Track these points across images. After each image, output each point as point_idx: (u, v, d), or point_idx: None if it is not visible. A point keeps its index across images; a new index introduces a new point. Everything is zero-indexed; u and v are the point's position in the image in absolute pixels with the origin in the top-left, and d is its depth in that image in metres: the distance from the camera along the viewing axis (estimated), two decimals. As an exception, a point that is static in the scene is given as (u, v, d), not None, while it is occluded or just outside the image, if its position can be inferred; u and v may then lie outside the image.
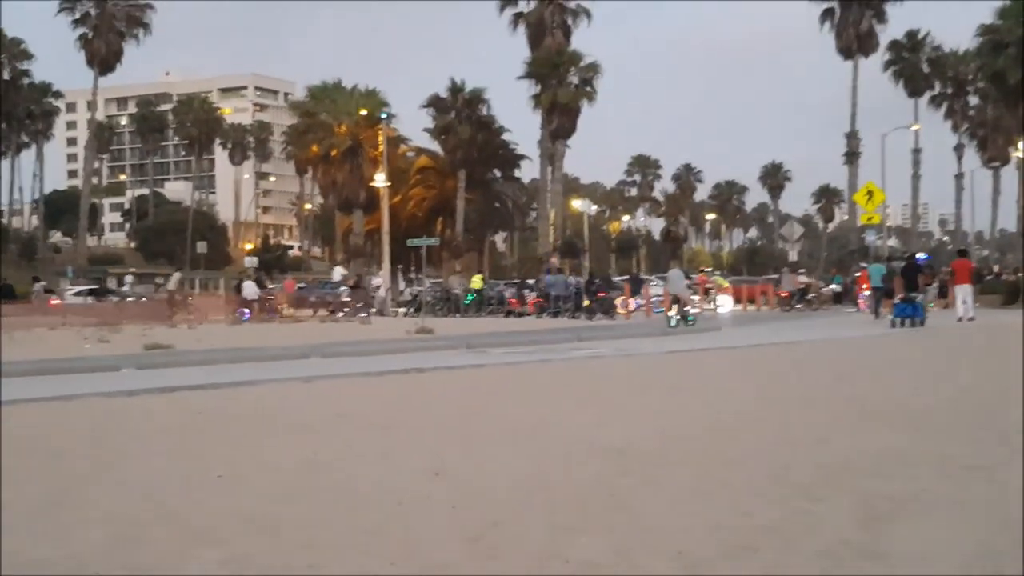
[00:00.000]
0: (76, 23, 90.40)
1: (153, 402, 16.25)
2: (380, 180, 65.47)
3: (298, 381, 18.94)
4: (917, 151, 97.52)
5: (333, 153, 74.95)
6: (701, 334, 35.39)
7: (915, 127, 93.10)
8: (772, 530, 7.85)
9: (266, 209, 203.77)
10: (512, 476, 10.00)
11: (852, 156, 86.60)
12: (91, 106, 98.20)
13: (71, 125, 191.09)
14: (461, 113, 77.29)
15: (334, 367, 22.63)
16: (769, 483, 9.56)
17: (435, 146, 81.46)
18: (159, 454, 11.58)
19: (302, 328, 41.65)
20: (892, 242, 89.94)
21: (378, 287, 60.73)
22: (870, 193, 49.92)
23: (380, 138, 67.75)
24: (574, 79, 78.79)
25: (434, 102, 77.92)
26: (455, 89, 77.72)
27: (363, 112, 73.42)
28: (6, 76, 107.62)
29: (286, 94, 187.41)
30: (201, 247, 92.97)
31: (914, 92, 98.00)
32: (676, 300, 39.78)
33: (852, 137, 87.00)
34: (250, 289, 55.58)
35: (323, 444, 11.99)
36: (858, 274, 60.11)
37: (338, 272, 69.76)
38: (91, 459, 11.24)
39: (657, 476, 9.94)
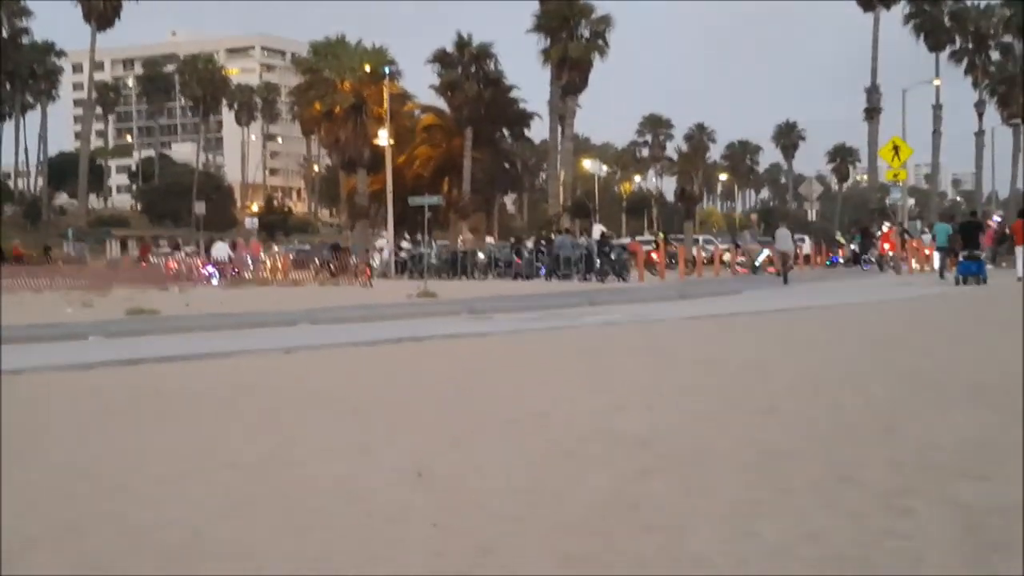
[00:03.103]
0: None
1: (108, 377, 14.30)
2: (383, 138, 63.39)
3: (278, 352, 16.97)
4: (938, 107, 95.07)
5: (336, 111, 73.00)
6: (730, 297, 33.35)
7: (936, 82, 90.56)
8: (857, 564, 5.87)
9: (274, 171, 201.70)
10: (511, 479, 8.04)
11: (873, 112, 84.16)
12: (89, 65, 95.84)
13: (78, 86, 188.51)
14: (468, 69, 75.22)
15: (322, 336, 20.62)
16: (836, 487, 7.59)
17: (442, 104, 79.40)
18: (91, 443, 9.67)
19: (299, 292, 39.69)
20: (910, 202, 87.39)
21: (381, 249, 58.73)
22: (896, 148, 47.54)
23: (384, 95, 65.65)
24: (585, 32, 76.52)
25: (440, 57, 75.78)
26: (461, 44, 75.55)
27: (367, 68, 71.40)
28: (5, 34, 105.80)
29: (293, 54, 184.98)
30: (199, 208, 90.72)
31: (935, 46, 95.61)
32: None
33: (873, 92, 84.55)
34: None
35: (290, 433, 10.05)
36: (879, 234, 58.39)
37: (597, 230, 66.52)
38: (4, 450, 9.29)
39: (692, 478, 7.96)
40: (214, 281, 48.49)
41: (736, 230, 59.35)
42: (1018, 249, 39.12)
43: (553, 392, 12.40)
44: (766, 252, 57.66)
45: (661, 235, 64.78)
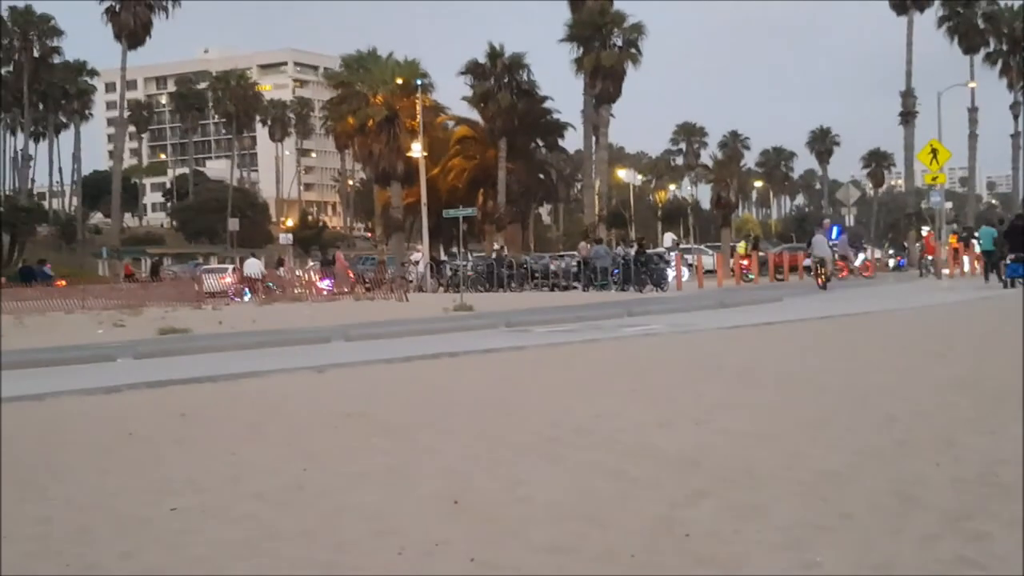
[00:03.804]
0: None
1: (132, 401, 13.88)
2: (417, 150, 63.01)
3: (310, 371, 16.48)
4: (973, 110, 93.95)
5: (369, 124, 72.64)
6: (771, 304, 32.71)
7: (972, 84, 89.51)
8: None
9: (308, 186, 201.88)
10: (553, 504, 7.58)
11: (908, 116, 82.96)
12: (120, 82, 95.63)
13: (111, 105, 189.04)
14: (500, 80, 74.66)
15: (356, 352, 20.16)
16: (899, 509, 7.09)
17: (475, 115, 78.92)
18: (111, 473, 9.24)
19: (334, 307, 39.26)
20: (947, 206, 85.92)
21: (417, 262, 58.24)
22: (934, 151, 46.79)
23: (417, 107, 65.29)
24: (618, 41, 75.77)
25: (472, 69, 75.20)
26: (494, 55, 74.97)
27: (399, 81, 71.03)
28: (36, 54, 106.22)
29: (326, 69, 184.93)
30: (232, 224, 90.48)
31: (969, 49, 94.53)
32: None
33: (908, 96, 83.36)
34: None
35: (320, 458, 9.60)
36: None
37: (669, 238, 66.69)
38: (16, 482, 8.88)
39: (745, 501, 7.48)
40: (246, 298, 48.21)
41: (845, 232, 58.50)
42: None
43: (595, 407, 11.92)
44: (863, 256, 57.27)
45: (748, 243, 63.27)
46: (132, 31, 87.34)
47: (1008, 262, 37.16)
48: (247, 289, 49.93)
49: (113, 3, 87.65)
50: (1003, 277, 37.71)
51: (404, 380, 15.47)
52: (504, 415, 11.67)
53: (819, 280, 43.45)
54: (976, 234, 50.43)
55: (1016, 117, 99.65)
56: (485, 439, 10.21)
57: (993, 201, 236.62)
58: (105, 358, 20.36)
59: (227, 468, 9.30)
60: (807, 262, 58.02)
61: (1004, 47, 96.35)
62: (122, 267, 72.78)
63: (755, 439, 9.74)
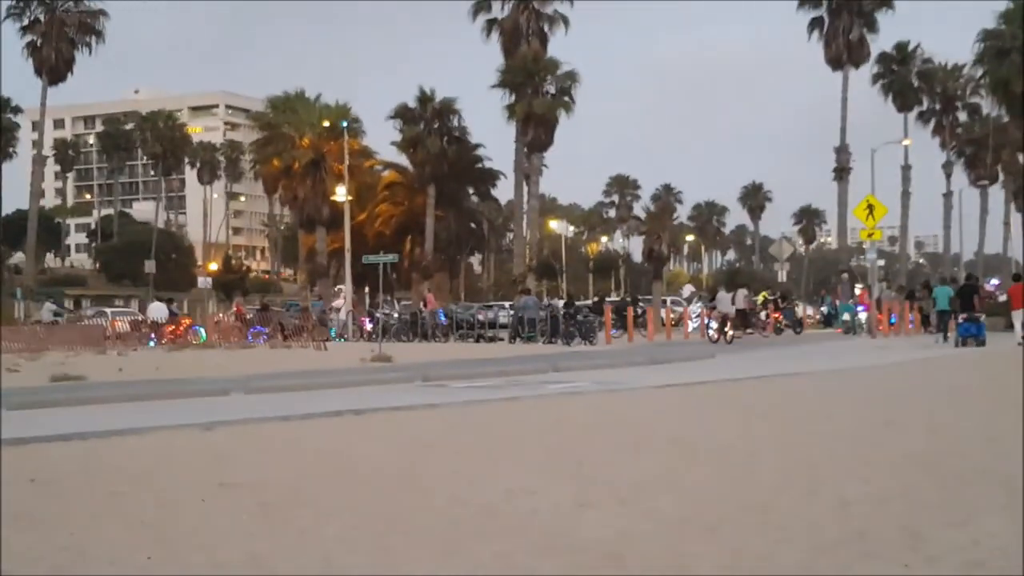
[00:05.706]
0: (24, 30, 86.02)
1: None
2: (341, 194, 61.55)
3: (197, 428, 14.87)
4: (907, 167, 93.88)
5: (295, 167, 71.24)
6: (703, 361, 31.59)
7: (906, 142, 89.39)
8: None
9: (237, 230, 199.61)
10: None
11: (842, 172, 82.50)
12: (41, 117, 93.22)
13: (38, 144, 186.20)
14: (431, 124, 73.47)
15: (253, 407, 18.45)
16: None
17: (405, 161, 77.63)
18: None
19: (247, 355, 37.60)
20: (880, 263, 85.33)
21: (338, 309, 56.45)
22: (871, 207, 46.01)
23: (344, 150, 63.90)
24: (551, 88, 74.88)
25: (402, 113, 74.01)
26: (424, 99, 73.83)
27: (326, 123, 69.69)
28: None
29: (258, 112, 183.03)
30: (149, 267, 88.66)
31: (903, 107, 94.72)
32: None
33: (842, 152, 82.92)
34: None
35: (174, 542, 8.04)
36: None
37: (688, 289, 67.36)
38: None
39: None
40: (151, 343, 46.34)
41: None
42: (1016, 313, 38.86)
43: (507, 481, 10.39)
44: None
45: (765, 295, 60.94)
46: (53, 66, 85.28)
47: (959, 322, 38.34)
48: (152, 335, 47.96)
49: (34, 38, 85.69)
50: (949, 335, 39.71)
51: (297, 442, 13.85)
52: (402, 489, 10.14)
53: (722, 336, 44.61)
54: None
55: (948, 176, 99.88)
56: (374, 520, 8.68)
57: (921, 260, 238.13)
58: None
59: (59, 554, 7.73)
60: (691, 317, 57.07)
61: (937, 106, 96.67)
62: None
63: (689, 527, 8.31)
